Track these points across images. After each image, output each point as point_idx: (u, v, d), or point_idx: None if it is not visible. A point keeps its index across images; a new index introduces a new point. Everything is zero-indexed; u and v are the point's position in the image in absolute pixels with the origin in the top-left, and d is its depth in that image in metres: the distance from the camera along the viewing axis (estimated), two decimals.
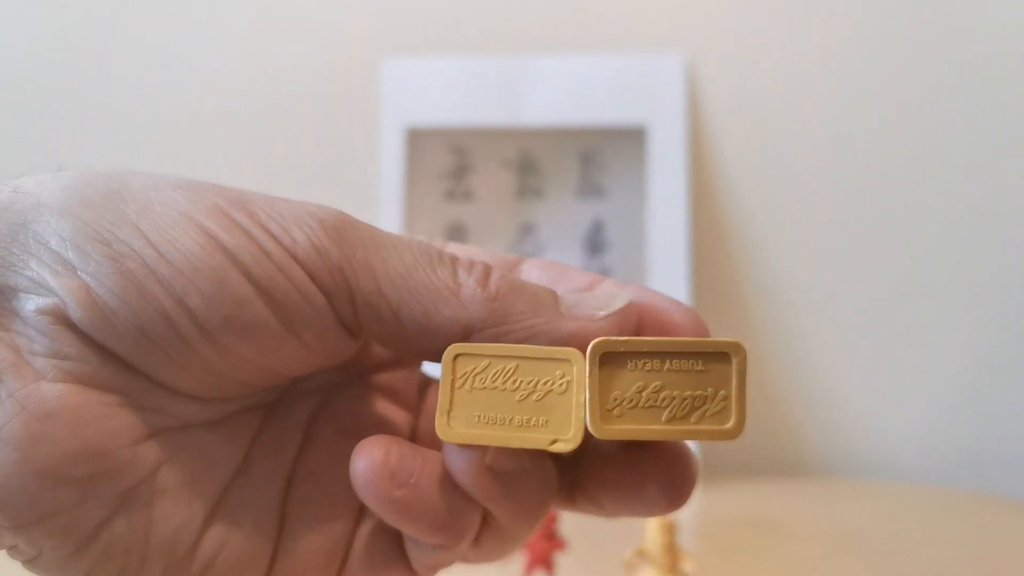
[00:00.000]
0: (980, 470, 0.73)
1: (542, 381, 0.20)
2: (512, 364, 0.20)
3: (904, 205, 0.75)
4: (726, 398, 0.20)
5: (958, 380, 0.74)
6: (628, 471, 0.22)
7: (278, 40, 0.78)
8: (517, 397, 0.20)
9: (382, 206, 0.73)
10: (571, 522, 0.45)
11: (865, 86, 0.74)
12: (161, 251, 0.19)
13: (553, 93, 0.74)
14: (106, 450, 0.19)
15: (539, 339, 0.21)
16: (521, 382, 0.20)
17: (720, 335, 0.21)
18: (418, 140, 0.75)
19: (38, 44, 0.79)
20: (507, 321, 0.21)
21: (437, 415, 0.20)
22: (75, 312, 0.19)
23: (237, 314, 0.19)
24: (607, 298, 0.22)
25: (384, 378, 0.26)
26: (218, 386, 0.21)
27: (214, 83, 0.78)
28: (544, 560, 0.44)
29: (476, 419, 0.20)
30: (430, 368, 0.25)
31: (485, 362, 0.21)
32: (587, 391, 0.20)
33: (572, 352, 0.20)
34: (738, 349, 0.20)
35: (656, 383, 0.20)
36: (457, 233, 0.75)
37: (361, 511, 0.23)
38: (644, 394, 0.20)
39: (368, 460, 0.20)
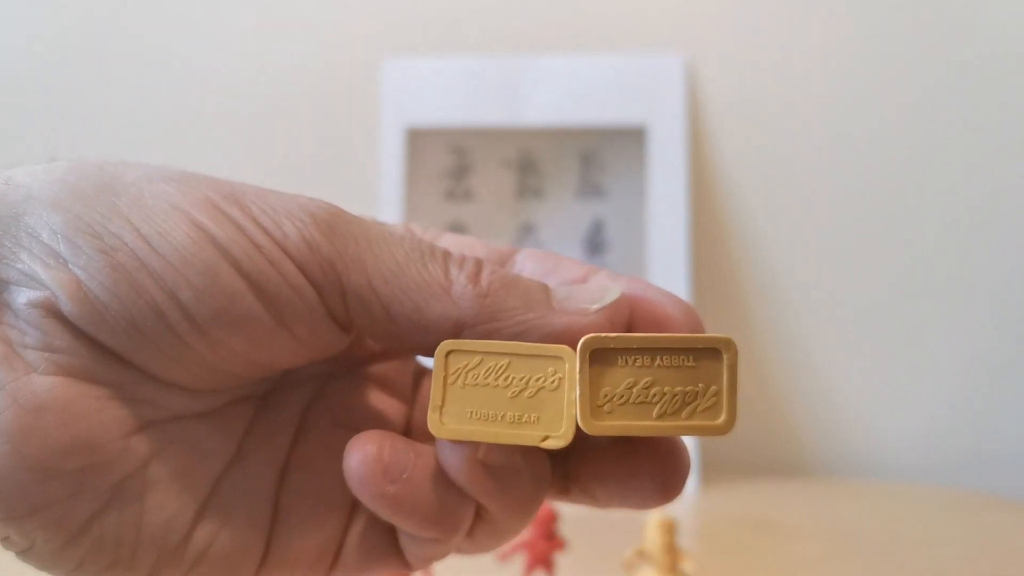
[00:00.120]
0: (980, 470, 0.73)
1: (534, 378, 0.20)
2: (504, 361, 0.21)
3: (904, 205, 0.74)
4: (717, 393, 0.20)
5: (958, 380, 0.74)
6: (621, 463, 0.22)
7: (278, 40, 0.78)
8: (509, 393, 0.20)
9: (382, 206, 0.74)
10: (571, 522, 0.45)
11: (865, 86, 0.74)
12: (152, 244, 0.19)
13: (553, 93, 0.74)
14: (97, 443, 0.19)
15: (531, 334, 0.21)
16: (513, 378, 0.20)
17: (718, 333, 0.21)
18: (418, 140, 0.75)
19: (38, 44, 0.79)
20: (498, 317, 0.21)
21: (429, 411, 0.21)
22: (66, 305, 0.19)
23: (228, 308, 0.19)
24: (599, 291, 0.22)
25: (378, 368, 0.26)
26: (209, 378, 0.21)
27: (214, 83, 0.78)
28: (544, 560, 0.44)
29: (468, 415, 0.20)
30: (425, 358, 0.25)
31: (477, 358, 0.21)
32: (578, 388, 0.20)
33: (564, 349, 0.20)
34: (729, 345, 0.20)
35: (647, 379, 0.20)
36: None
37: (355, 503, 0.23)
38: (635, 390, 0.20)
39: (361, 456, 0.20)
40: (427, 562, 0.23)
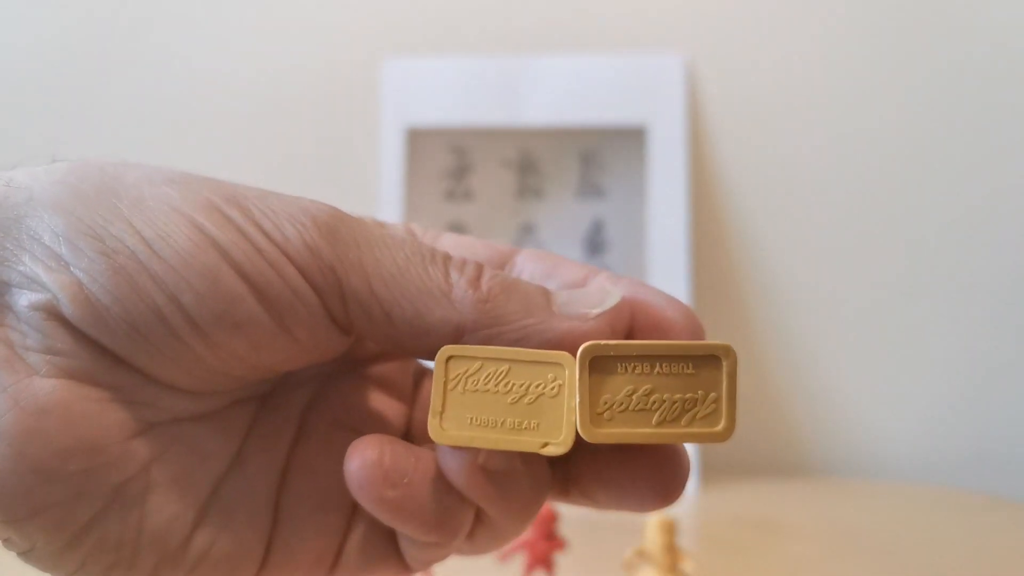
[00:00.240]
0: (980, 470, 0.73)
1: (534, 384, 0.20)
2: (504, 367, 0.21)
3: (904, 205, 0.74)
4: (716, 400, 0.20)
5: (958, 380, 0.74)
6: (621, 467, 0.22)
7: (278, 40, 0.78)
8: (509, 400, 0.20)
9: (382, 206, 0.74)
10: (571, 522, 0.45)
11: (865, 86, 0.74)
12: (154, 247, 0.19)
13: (553, 93, 0.74)
14: (99, 445, 0.19)
15: (531, 340, 0.21)
16: (513, 385, 0.21)
17: (720, 335, 0.21)
18: (418, 140, 0.75)
19: (38, 44, 0.79)
20: (499, 323, 0.21)
21: (430, 417, 0.21)
22: (67, 308, 0.19)
23: (229, 311, 0.19)
24: (599, 295, 0.22)
25: (379, 368, 0.26)
26: (210, 380, 0.21)
27: (214, 83, 0.78)
28: (544, 560, 0.44)
29: (468, 421, 0.20)
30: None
31: (478, 364, 0.21)
32: (577, 395, 0.20)
33: (563, 356, 0.20)
34: (728, 352, 0.20)
35: (646, 386, 0.20)
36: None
37: (355, 505, 0.23)
38: (634, 397, 0.20)
39: (362, 460, 0.20)
40: (427, 564, 0.23)
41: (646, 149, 0.73)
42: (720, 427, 0.20)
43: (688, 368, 0.20)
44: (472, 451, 0.21)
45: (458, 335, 0.21)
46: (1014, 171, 0.73)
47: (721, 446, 0.72)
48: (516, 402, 0.20)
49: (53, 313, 0.19)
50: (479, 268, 0.22)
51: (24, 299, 0.19)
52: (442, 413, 0.21)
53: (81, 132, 0.79)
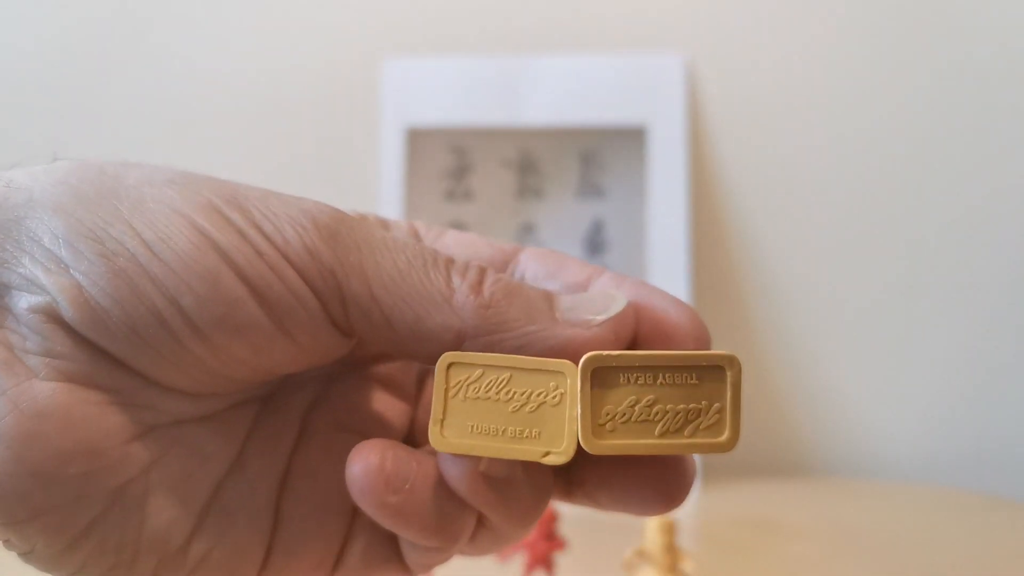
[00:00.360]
0: (980, 470, 0.73)
1: (535, 392, 0.20)
2: (506, 374, 0.20)
3: (904, 205, 0.74)
4: (720, 411, 0.20)
5: (958, 380, 0.74)
6: (625, 471, 0.22)
7: (278, 40, 0.78)
8: (510, 408, 0.20)
9: (382, 206, 0.73)
10: (571, 522, 0.45)
11: (865, 86, 0.74)
12: (154, 250, 0.19)
13: (553, 93, 0.74)
14: (98, 448, 0.19)
15: (534, 346, 0.21)
16: (515, 393, 0.20)
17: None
18: (418, 140, 0.75)
19: (38, 44, 0.79)
20: (500, 329, 0.21)
21: (431, 424, 0.20)
22: (67, 311, 0.19)
23: (230, 314, 0.19)
24: (604, 301, 0.22)
25: (381, 369, 0.26)
26: (210, 383, 0.21)
27: (215, 83, 0.78)
28: (544, 560, 0.44)
29: (469, 429, 0.20)
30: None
31: (479, 371, 0.20)
32: (579, 407, 0.20)
33: (566, 364, 0.20)
34: (732, 362, 0.20)
35: (649, 397, 0.20)
36: None
37: (356, 508, 0.23)
38: (637, 408, 0.20)
39: (364, 465, 0.20)
40: (428, 568, 0.23)
41: (646, 149, 0.73)
42: (724, 438, 0.20)
43: (692, 378, 0.20)
44: (473, 458, 0.20)
45: (459, 341, 0.21)
46: (1014, 171, 0.73)
47: None
48: (518, 410, 0.20)
49: (53, 316, 0.19)
50: (481, 273, 0.21)
51: (24, 302, 0.19)
52: (443, 420, 0.20)
53: (81, 132, 0.79)
